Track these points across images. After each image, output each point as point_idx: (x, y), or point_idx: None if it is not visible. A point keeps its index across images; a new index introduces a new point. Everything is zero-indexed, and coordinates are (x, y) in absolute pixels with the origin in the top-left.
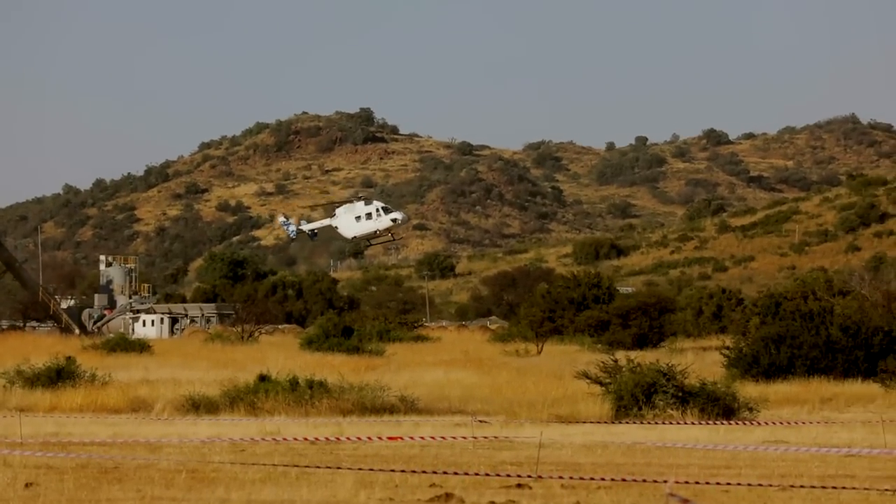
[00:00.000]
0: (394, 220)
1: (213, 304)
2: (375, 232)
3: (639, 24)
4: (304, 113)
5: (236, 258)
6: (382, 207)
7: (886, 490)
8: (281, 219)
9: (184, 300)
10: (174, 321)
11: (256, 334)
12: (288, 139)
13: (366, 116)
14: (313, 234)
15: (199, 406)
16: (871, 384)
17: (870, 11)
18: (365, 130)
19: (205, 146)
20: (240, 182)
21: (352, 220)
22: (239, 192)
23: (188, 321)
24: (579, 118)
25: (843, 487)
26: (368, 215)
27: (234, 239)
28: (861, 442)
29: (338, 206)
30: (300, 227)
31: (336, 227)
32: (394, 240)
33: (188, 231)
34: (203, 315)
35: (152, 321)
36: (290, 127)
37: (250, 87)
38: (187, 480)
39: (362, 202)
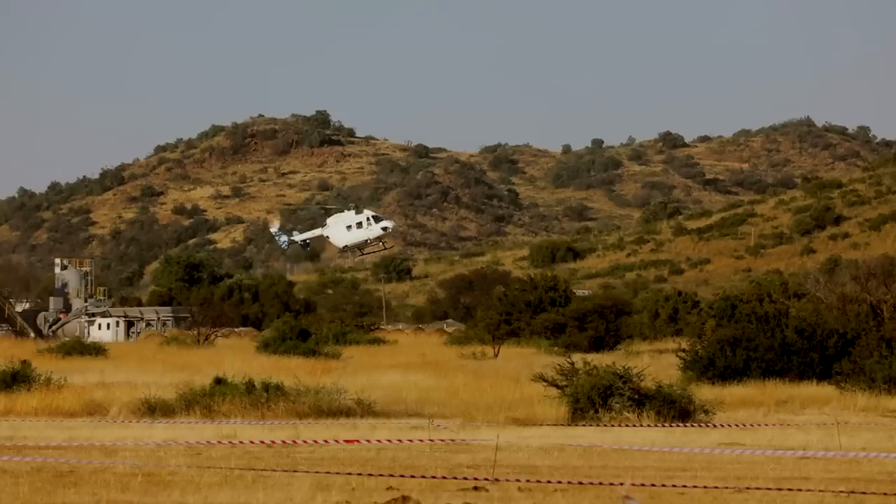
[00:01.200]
0: (384, 229)
1: (168, 308)
2: (367, 241)
3: (595, 28)
4: (260, 116)
5: (192, 261)
6: (373, 216)
7: (841, 492)
8: (273, 230)
9: (140, 303)
10: (130, 324)
11: (212, 337)
12: (244, 142)
13: (322, 119)
14: (305, 244)
15: (154, 409)
16: (826, 386)
17: (824, 15)
18: (321, 133)
19: (160, 149)
20: (196, 185)
21: (343, 230)
22: (195, 195)
23: (144, 325)
24: (535, 121)
25: (799, 490)
26: (359, 224)
27: (190, 242)
28: (816, 444)
29: (327, 215)
30: (292, 238)
31: (327, 237)
32: (385, 248)
33: (144, 234)
34: (159, 318)
35: (108, 324)
36: (245, 130)
37: (206, 91)
38: (143, 484)
39: (352, 211)
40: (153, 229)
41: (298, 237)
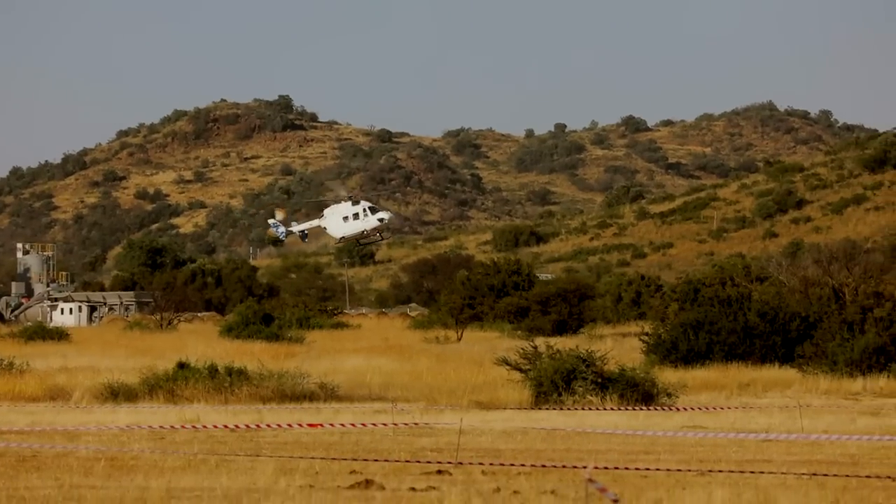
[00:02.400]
0: (381, 220)
1: (131, 292)
2: (363, 232)
3: (557, 11)
4: (223, 100)
5: (155, 246)
6: (369, 207)
7: (803, 474)
8: (271, 220)
9: (102, 288)
10: (93, 309)
11: (175, 322)
12: (206, 127)
13: (284, 104)
14: (304, 235)
15: (117, 394)
16: (788, 369)
17: (787, 0)
18: (284, 118)
19: (122, 134)
20: (158, 170)
21: (339, 221)
22: (157, 179)
23: (107, 309)
24: (498, 105)
25: (761, 472)
26: (356, 215)
27: (153, 227)
28: (778, 427)
29: (324, 206)
30: (290, 229)
31: (325, 228)
32: (382, 239)
33: (106, 219)
34: (122, 303)
35: (70, 309)
36: (208, 115)
37: (168, 75)
38: (106, 468)
39: (349, 202)
40: (115, 214)
41: (296, 228)
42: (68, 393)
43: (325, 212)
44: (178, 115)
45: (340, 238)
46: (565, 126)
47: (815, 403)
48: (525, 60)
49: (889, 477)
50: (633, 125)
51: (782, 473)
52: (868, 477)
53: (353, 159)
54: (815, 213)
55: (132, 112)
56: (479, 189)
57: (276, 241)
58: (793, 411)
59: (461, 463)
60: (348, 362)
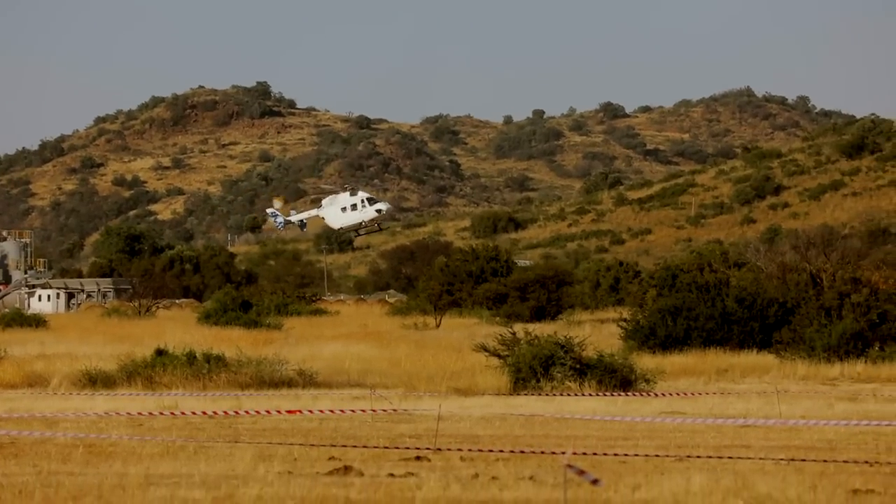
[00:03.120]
0: (378, 211)
1: (109, 279)
2: (361, 223)
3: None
4: (201, 87)
5: (133, 233)
6: (367, 198)
7: (781, 460)
8: (270, 210)
9: (80, 275)
10: (70, 296)
11: (154, 309)
12: (184, 113)
13: (262, 90)
14: (302, 224)
15: (95, 381)
16: (766, 355)
17: None
18: (262, 104)
19: (100, 120)
20: (136, 156)
21: (338, 212)
22: (135, 166)
23: (85, 296)
24: (477, 92)
25: (739, 457)
26: (353, 206)
27: (131, 213)
28: (756, 412)
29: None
30: (289, 219)
31: (323, 218)
32: (381, 230)
33: (84, 206)
34: (100, 290)
35: (48, 296)
36: (186, 101)
37: (146, 61)
38: (84, 455)
39: (347, 193)
40: (93, 201)
41: (295, 217)
42: (46, 380)
43: (324, 202)
44: (156, 101)
45: (339, 228)
46: (543, 112)
47: (792, 389)
48: (503, 47)
49: (867, 462)
50: (612, 111)
51: (760, 459)
52: (846, 462)
53: (331, 146)
54: (793, 198)
55: (110, 99)
56: (457, 175)
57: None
58: (770, 397)
59: (440, 449)
60: (327, 349)
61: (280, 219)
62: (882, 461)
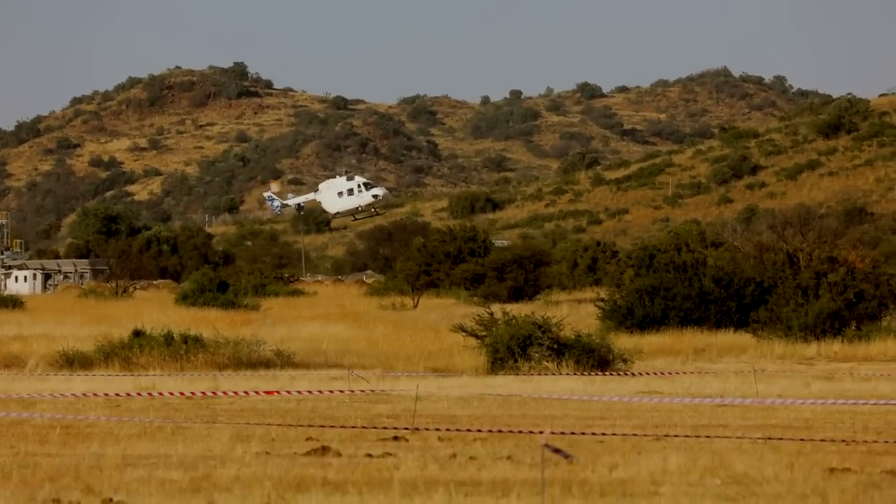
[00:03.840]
0: (375, 196)
1: (86, 260)
2: (358, 207)
3: None
4: (178, 67)
5: (110, 213)
6: (364, 183)
7: (758, 438)
8: (267, 194)
9: (57, 256)
10: (47, 277)
11: (131, 290)
12: (161, 94)
13: (239, 71)
14: (300, 207)
15: (73, 362)
16: (743, 334)
17: None
18: (239, 85)
19: (76, 101)
20: (113, 137)
21: (334, 196)
22: (112, 147)
23: (62, 277)
24: (454, 72)
25: (716, 437)
26: (350, 191)
27: (108, 194)
28: (733, 392)
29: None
30: (286, 202)
31: (320, 202)
32: (377, 214)
33: (61, 187)
34: (77, 271)
35: (25, 277)
36: (163, 82)
37: (122, 42)
38: (62, 436)
39: (344, 178)
40: (70, 182)
41: (292, 200)
42: (23, 361)
43: (321, 186)
44: (133, 82)
45: (335, 213)
46: (521, 93)
47: (769, 368)
48: (480, 27)
49: (843, 441)
50: (589, 91)
51: (737, 438)
52: (822, 441)
53: (308, 126)
54: (770, 178)
55: (86, 79)
56: (434, 156)
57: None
58: (747, 376)
59: (417, 429)
60: (304, 329)
61: (277, 202)
62: (858, 440)
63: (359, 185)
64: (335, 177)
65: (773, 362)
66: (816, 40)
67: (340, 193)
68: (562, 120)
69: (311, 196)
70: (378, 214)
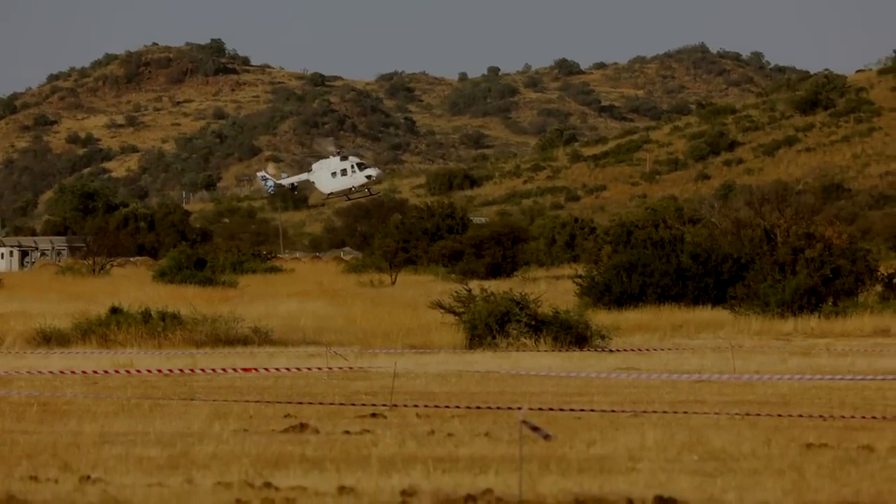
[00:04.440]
0: (368, 177)
1: (63, 237)
2: (351, 188)
3: None
4: (154, 44)
5: (87, 190)
6: (358, 164)
7: (736, 414)
8: (260, 174)
9: (34, 233)
10: (24, 254)
11: (108, 267)
12: (138, 71)
13: (217, 48)
14: (293, 187)
15: (50, 339)
16: (720, 311)
17: None
18: (216, 62)
19: (53, 78)
20: (89, 114)
21: (328, 177)
22: (89, 123)
23: (38, 254)
24: (432, 49)
25: (694, 412)
26: (343, 171)
27: (85, 171)
28: (711, 368)
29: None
30: (279, 182)
31: (313, 182)
32: (371, 195)
33: (37, 163)
34: (54, 248)
35: (1, 254)
36: (140, 58)
37: (99, 18)
38: (39, 413)
39: (337, 158)
40: (47, 158)
41: (286, 181)
42: (0, 338)
43: (314, 166)
44: (110, 58)
45: (329, 194)
46: (498, 69)
47: (746, 344)
48: (458, 3)
49: (820, 416)
50: (567, 68)
51: (715, 414)
52: (799, 416)
53: (285, 103)
54: (747, 154)
55: (63, 56)
56: (412, 133)
57: (293, 188)
58: (725, 352)
59: (395, 406)
60: (282, 306)
61: (270, 182)
62: (835, 415)
63: (352, 166)
64: (318, 155)
65: (750, 338)
66: (793, 16)
67: (334, 174)
68: (540, 97)
69: (304, 176)
70: (372, 195)
